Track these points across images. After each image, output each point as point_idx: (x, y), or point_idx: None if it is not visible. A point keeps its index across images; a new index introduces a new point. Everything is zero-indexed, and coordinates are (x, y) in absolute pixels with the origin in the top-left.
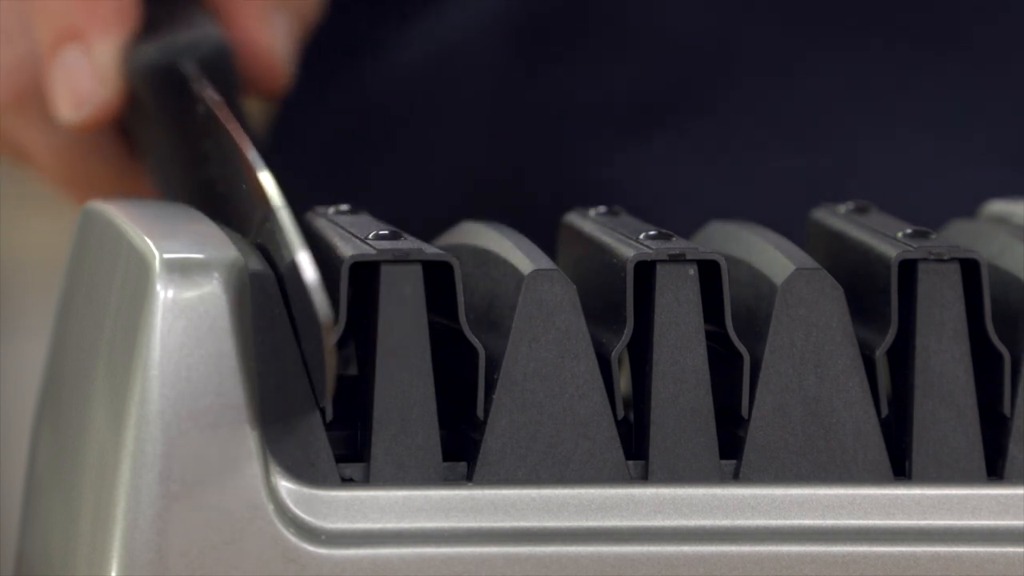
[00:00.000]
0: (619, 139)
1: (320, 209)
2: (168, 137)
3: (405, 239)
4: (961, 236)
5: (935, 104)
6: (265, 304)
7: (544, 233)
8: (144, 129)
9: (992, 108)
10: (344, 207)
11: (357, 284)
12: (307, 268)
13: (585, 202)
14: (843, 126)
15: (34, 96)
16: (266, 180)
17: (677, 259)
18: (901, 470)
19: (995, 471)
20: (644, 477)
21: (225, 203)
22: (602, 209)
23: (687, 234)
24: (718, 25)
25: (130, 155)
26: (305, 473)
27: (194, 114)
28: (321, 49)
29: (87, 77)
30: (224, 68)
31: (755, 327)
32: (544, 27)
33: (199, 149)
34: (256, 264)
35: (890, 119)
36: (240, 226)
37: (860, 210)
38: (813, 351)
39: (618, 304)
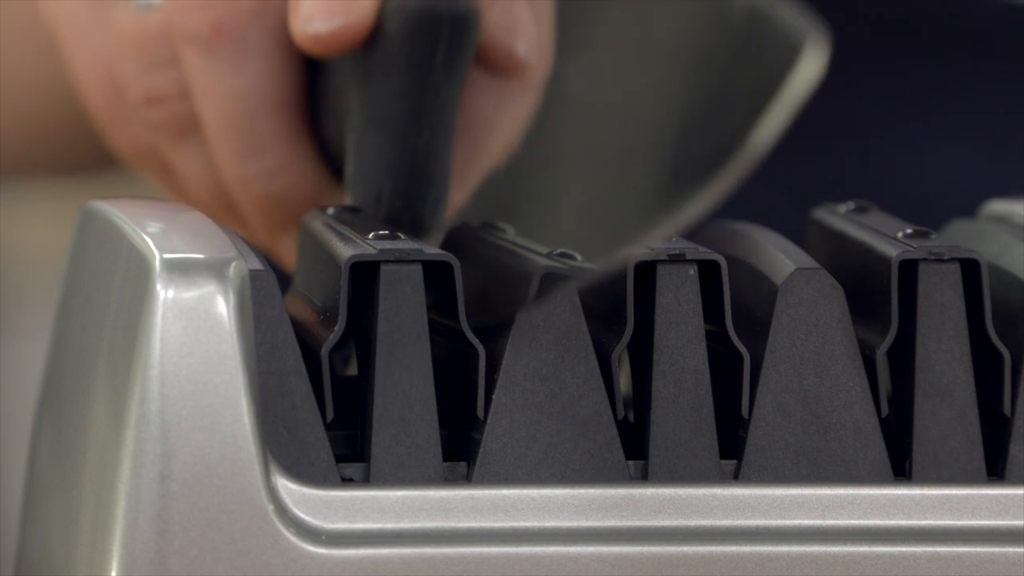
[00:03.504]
0: None
1: (319, 209)
2: (395, 93)
3: (405, 239)
4: (961, 236)
5: (936, 103)
6: (265, 304)
7: None
8: (353, 114)
9: (993, 107)
10: (343, 207)
11: (357, 284)
12: None
13: None
14: (843, 125)
15: (192, 125)
16: None
17: (677, 259)
18: (901, 470)
19: (995, 471)
20: (644, 477)
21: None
22: None
23: (689, 234)
24: None
25: (322, 167)
26: (305, 473)
27: (454, 73)
28: None
29: None
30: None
31: (755, 327)
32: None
33: (443, 119)
34: (256, 264)
35: (891, 119)
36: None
37: (860, 210)
38: (813, 351)
39: (618, 304)
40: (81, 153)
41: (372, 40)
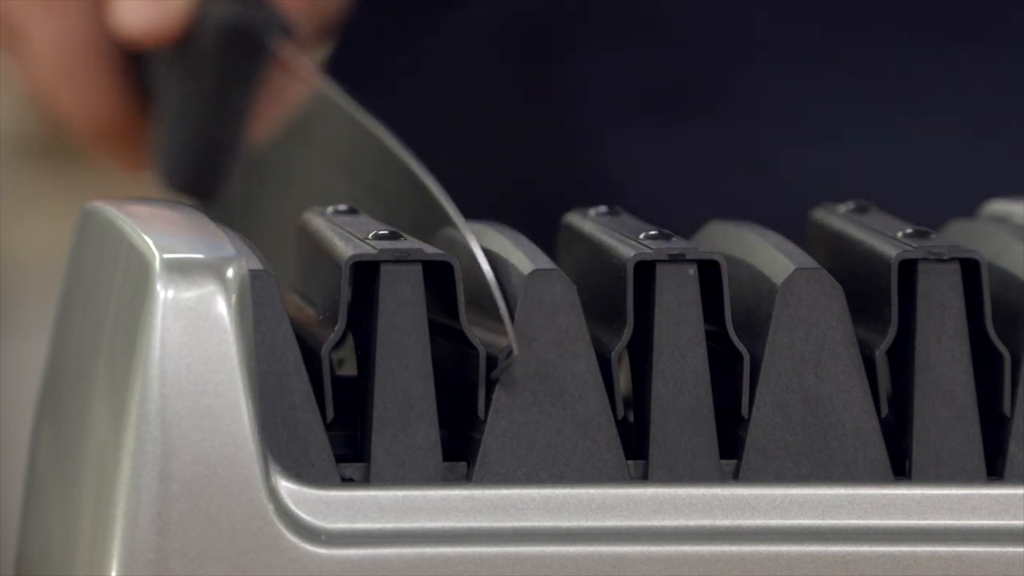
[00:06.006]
0: (630, 135)
1: (318, 209)
2: (202, 95)
3: (405, 239)
4: (961, 236)
5: (936, 104)
6: (265, 304)
7: (546, 233)
8: (165, 84)
9: (993, 107)
10: (342, 207)
11: (357, 284)
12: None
13: (594, 200)
14: (843, 125)
15: None
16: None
17: (677, 259)
18: (901, 470)
19: (995, 471)
20: (644, 477)
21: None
22: (602, 209)
23: (691, 232)
24: (723, 20)
25: (133, 101)
26: (305, 473)
27: (252, 77)
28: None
29: None
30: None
31: (755, 327)
32: (554, 22)
33: (237, 110)
34: (256, 264)
35: (891, 119)
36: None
37: (860, 210)
38: (813, 351)
39: (618, 304)
40: None
41: (185, 39)
